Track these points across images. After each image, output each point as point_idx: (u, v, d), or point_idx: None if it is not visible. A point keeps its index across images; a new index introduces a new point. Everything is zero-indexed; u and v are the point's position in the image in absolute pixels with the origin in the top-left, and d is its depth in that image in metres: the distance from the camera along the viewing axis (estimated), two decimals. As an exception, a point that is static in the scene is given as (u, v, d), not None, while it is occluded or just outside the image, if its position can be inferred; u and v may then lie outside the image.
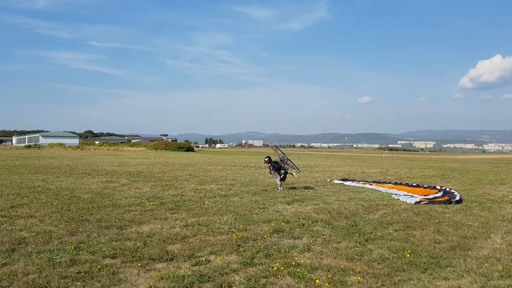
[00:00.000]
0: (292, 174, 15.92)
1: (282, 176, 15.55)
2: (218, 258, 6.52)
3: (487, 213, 11.22)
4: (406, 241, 7.92)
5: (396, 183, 19.43)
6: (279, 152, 16.40)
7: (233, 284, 5.43)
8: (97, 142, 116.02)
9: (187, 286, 5.34)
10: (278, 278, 5.70)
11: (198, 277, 5.63)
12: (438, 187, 17.43)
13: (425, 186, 18.33)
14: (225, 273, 5.86)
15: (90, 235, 7.80)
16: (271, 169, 15.64)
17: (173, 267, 6.09)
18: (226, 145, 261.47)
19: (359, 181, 20.01)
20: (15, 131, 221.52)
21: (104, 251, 6.70)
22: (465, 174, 27.76)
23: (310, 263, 6.36)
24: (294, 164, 16.37)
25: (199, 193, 14.46)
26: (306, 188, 16.89)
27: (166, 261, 6.36)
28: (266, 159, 15.98)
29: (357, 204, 12.41)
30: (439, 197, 14.23)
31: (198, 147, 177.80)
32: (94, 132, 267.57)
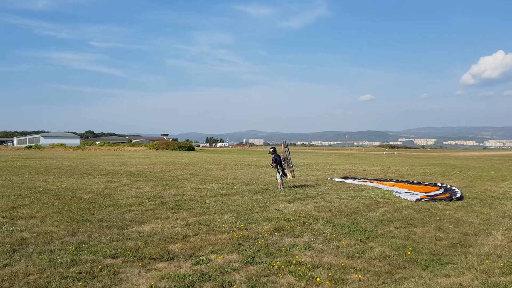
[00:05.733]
0: (286, 174, 15.98)
1: (280, 173, 15.65)
2: (219, 257, 6.52)
3: (488, 210, 11.21)
4: (407, 238, 7.91)
5: (397, 181, 19.41)
6: (286, 150, 16.50)
7: (234, 283, 5.43)
8: (98, 142, 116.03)
9: (188, 286, 5.34)
10: (279, 276, 5.70)
11: (199, 276, 5.63)
12: (439, 184, 17.42)
13: (426, 183, 18.31)
14: (226, 272, 5.86)
15: (91, 235, 7.81)
16: (272, 161, 15.90)
17: (174, 266, 6.09)
18: (227, 144, 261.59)
19: (360, 179, 20.00)
20: (16, 132, 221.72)
21: (105, 251, 6.71)
22: (466, 171, 27.73)
23: (311, 261, 6.36)
24: (293, 169, 16.49)
25: (200, 192, 14.47)
26: (307, 186, 16.90)
27: (167, 260, 6.36)
28: (271, 149, 16.35)
29: (358, 202, 12.41)
30: (440, 194, 14.22)
31: (199, 146, 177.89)
32: (95, 132, 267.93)
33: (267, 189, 15.57)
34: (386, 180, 19.91)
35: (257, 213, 10.40)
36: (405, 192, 14.58)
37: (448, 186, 16.53)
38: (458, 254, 6.89)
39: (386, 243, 7.47)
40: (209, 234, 8.05)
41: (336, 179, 20.13)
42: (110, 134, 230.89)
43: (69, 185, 16.17)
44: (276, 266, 6.06)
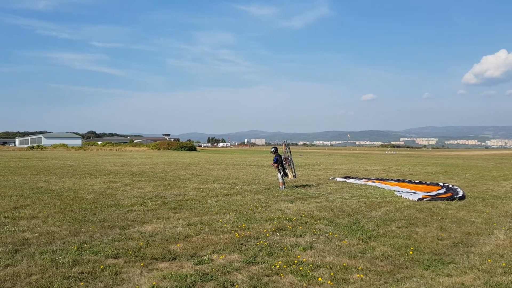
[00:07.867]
0: (287, 174, 15.96)
1: (281, 173, 15.64)
2: (221, 257, 6.53)
3: (490, 209, 11.18)
4: (409, 238, 7.90)
5: (398, 180, 19.39)
6: (287, 150, 16.50)
7: (235, 283, 5.43)
8: (99, 143, 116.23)
9: (189, 285, 5.34)
10: (280, 276, 5.70)
11: (201, 276, 5.64)
12: (441, 184, 17.39)
13: (428, 182, 18.29)
14: (227, 272, 5.86)
15: (93, 235, 7.82)
16: (274, 161, 15.95)
17: (176, 266, 6.10)
18: (229, 144, 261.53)
19: (361, 179, 19.98)
20: (18, 132, 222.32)
21: (106, 251, 6.72)
22: (468, 170, 27.67)
23: (312, 261, 6.35)
24: (294, 168, 16.48)
25: (202, 192, 14.48)
26: (308, 186, 16.89)
27: (169, 260, 6.37)
28: (273, 149, 16.47)
29: (359, 201, 12.40)
30: (442, 193, 14.19)
31: (201, 146, 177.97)
32: (97, 132, 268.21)
33: (268, 189, 15.57)
34: (387, 179, 19.89)
35: (259, 213, 10.40)
36: (407, 192, 14.56)
37: (450, 186, 16.50)
38: (460, 253, 6.88)
39: (388, 243, 7.46)
40: (210, 234, 8.05)
41: (338, 179, 20.11)
42: (112, 134, 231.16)
43: (71, 185, 16.20)
44: (278, 266, 6.06)
